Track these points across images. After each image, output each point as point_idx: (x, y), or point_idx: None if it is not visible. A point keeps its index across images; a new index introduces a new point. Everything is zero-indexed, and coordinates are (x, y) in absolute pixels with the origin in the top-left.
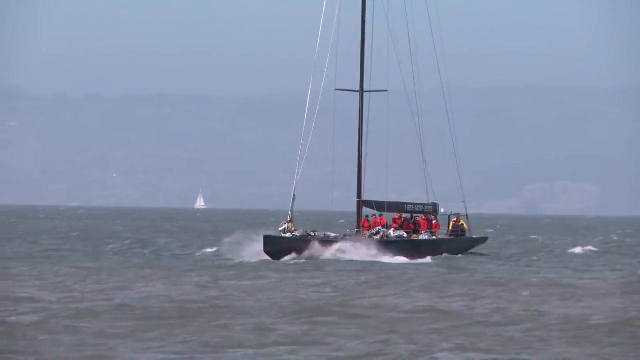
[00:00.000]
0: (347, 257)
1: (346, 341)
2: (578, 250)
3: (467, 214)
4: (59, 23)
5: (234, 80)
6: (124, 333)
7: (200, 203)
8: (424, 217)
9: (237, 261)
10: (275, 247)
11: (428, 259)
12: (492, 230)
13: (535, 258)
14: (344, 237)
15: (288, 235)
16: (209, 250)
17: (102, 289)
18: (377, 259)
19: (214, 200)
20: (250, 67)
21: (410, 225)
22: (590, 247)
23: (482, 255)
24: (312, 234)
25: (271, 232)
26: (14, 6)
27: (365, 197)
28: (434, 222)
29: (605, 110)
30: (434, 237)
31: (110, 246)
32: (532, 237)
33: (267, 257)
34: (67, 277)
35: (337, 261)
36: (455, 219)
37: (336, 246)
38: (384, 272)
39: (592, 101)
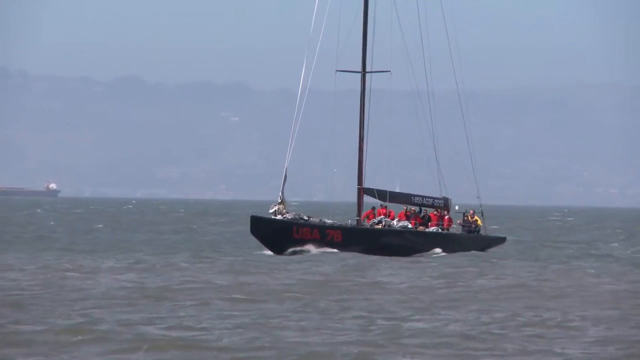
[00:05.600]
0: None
1: None
2: None
3: (482, 211)
4: (281, 20)
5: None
6: None
7: None
8: (435, 213)
9: None
10: (264, 230)
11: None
12: None
13: None
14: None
15: (279, 217)
16: None
17: None
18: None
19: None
20: (480, 61)
21: (418, 219)
22: None
23: None
24: (305, 218)
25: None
26: (241, 10)
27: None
28: (446, 217)
29: None
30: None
31: None
32: None
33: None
34: None
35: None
36: (469, 215)
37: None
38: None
39: None
